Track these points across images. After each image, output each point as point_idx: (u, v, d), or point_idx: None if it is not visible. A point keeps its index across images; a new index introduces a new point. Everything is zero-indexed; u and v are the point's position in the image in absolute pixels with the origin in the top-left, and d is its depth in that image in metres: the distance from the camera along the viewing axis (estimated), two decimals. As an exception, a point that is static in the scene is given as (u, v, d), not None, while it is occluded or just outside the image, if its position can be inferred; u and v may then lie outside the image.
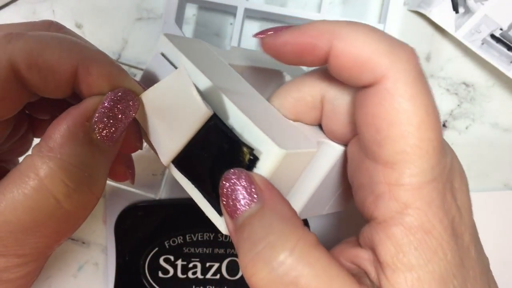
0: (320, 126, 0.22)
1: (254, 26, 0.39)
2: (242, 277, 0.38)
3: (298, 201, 0.21)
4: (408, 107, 0.17)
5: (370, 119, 0.18)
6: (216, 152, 0.19)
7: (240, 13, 0.36)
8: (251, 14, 0.38)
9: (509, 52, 0.36)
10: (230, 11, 0.38)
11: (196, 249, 0.37)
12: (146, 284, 0.37)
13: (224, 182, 0.18)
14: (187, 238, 0.37)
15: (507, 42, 0.36)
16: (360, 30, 0.18)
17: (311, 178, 0.21)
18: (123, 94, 0.20)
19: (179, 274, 0.37)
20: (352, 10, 0.39)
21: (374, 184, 0.18)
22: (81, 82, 0.20)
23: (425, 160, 0.17)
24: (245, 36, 0.38)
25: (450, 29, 0.37)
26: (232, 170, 0.18)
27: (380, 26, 0.36)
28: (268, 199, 0.18)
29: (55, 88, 0.20)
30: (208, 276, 0.37)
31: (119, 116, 0.20)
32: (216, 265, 0.37)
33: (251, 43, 0.39)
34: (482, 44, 0.36)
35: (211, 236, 0.37)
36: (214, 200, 0.20)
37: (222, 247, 0.37)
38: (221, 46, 0.39)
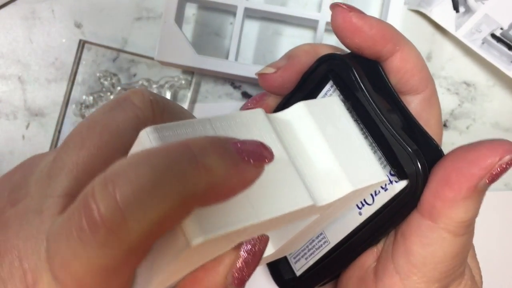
0: None
1: (254, 26, 0.39)
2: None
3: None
4: None
5: None
6: None
7: (240, 13, 0.36)
8: (251, 14, 0.37)
9: (509, 52, 0.36)
10: (230, 10, 0.38)
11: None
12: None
13: None
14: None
15: (508, 42, 0.36)
16: None
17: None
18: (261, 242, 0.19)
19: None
20: (352, 9, 0.39)
21: None
22: None
23: None
24: (245, 36, 0.38)
25: (450, 28, 0.37)
26: None
27: (380, 26, 0.36)
28: None
29: None
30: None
31: (253, 260, 0.19)
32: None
33: (251, 43, 0.39)
34: (483, 43, 0.36)
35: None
36: None
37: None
38: (221, 45, 0.39)
